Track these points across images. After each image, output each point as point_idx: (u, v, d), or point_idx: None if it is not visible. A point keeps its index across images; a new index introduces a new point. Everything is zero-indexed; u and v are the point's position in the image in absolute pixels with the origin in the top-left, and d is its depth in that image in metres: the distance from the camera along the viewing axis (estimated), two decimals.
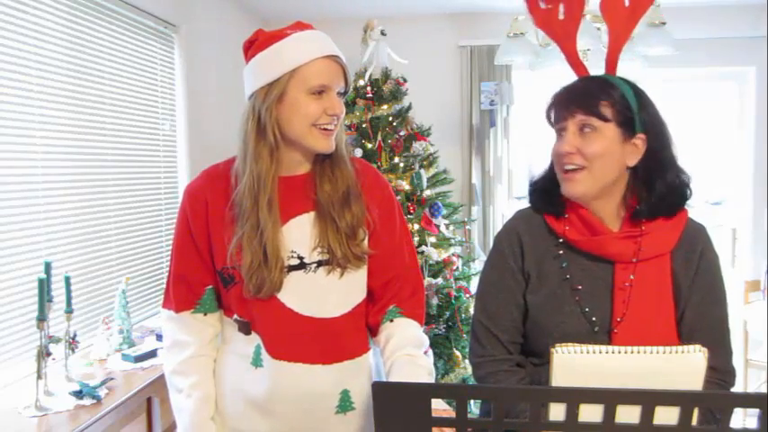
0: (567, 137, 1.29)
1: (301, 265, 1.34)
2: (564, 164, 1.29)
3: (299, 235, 1.35)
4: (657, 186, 1.29)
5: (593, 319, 1.30)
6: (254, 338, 1.37)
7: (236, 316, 1.39)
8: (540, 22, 1.46)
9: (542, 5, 1.45)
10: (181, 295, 1.40)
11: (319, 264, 1.35)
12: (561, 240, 1.35)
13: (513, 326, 1.38)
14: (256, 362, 1.36)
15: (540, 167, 1.43)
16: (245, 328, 1.37)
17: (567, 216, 1.35)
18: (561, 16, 1.42)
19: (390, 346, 1.36)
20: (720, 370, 1.28)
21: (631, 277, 1.29)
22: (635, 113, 1.28)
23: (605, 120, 1.26)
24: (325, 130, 1.31)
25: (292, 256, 1.34)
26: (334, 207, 1.35)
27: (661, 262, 1.30)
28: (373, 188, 1.42)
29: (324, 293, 1.35)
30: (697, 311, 1.30)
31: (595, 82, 1.33)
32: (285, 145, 1.34)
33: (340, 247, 1.34)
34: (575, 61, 1.41)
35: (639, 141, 1.29)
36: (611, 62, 1.38)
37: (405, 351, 1.34)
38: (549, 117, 1.35)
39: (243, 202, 1.32)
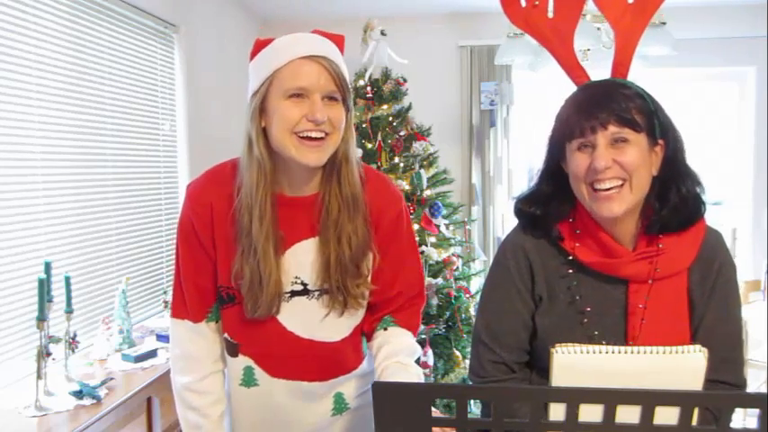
0: (600, 151, 1.14)
1: (305, 291, 1.31)
2: (598, 181, 1.16)
3: (304, 261, 1.29)
4: (671, 197, 1.20)
5: (603, 342, 1.20)
6: (242, 361, 1.35)
7: (225, 335, 1.36)
8: (522, 21, 1.32)
9: (523, 2, 1.30)
10: (196, 304, 1.34)
11: (322, 292, 1.31)
12: (570, 258, 1.25)
13: (519, 347, 1.30)
14: (248, 382, 1.35)
15: (520, 191, 1.33)
16: (233, 350, 1.35)
17: (577, 232, 1.25)
18: (550, 14, 1.29)
19: (382, 353, 1.31)
20: (732, 383, 1.23)
21: (647, 298, 1.20)
22: (656, 118, 1.18)
23: (638, 130, 1.15)
24: (308, 138, 1.19)
25: (296, 282, 1.30)
26: (342, 236, 1.27)
27: (678, 280, 1.21)
28: (384, 209, 1.34)
29: (326, 320, 1.32)
30: (711, 330, 1.22)
31: (622, 87, 1.18)
32: (279, 160, 1.25)
33: (341, 282, 1.28)
34: (572, 67, 1.30)
35: (659, 148, 1.20)
36: (622, 64, 1.26)
37: (396, 359, 1.30)
38: (574, 131, 1.18)
39: (242, 219, 1.26)
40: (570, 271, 1.25)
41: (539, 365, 1.30)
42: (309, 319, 1.32)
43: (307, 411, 1.37)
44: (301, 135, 1.19)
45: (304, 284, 1.30)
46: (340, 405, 1.38)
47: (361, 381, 1.42)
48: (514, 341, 1.29)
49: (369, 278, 1.32)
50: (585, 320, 1.23)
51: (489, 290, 1.34)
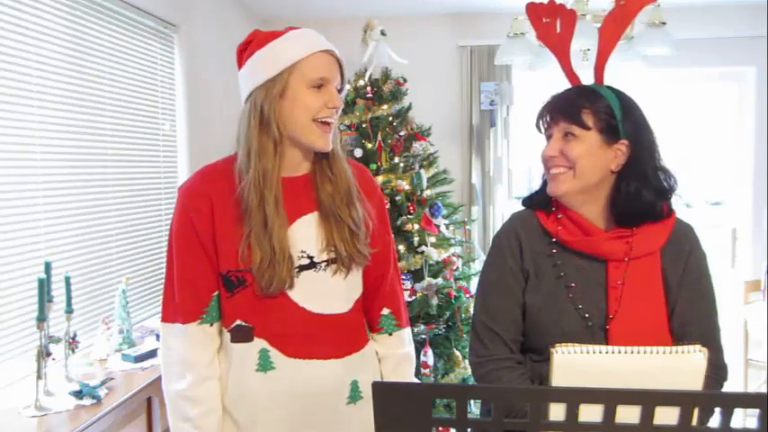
0: (551, 143, 1.39)
1: (312, 265, 1.37)
2: (550, 167, 1.39)
3: (307, 235, 1.37)
4: (635, 191, 1.35)
5: (587, 315, 1.35)
6: (257, 344, 1.35)
7: (238, 322, 1.36)
8: (542, 35, 1.53)
9: (544, 20, 1.50)
10: (188, 304, 1.36)
11: (328, 262, 1.38)
12: (555, 240, 1.40)
13: (515, 324, 1.41)
14: (265, 366, 1.35)
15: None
16: (247, 335, 1.35)
17: (559, 217, 1.41)
18: (558, 29, 1.48)
19: (387, 368, 1.52)
20: (713, 364, 1.28)
21: (624, 275, 1.34)
22: (618, 121, 1.35)
23: (586, 128, 1.35)
24: (324, 123, 1.34)
25: (302, 256, 1.36)
26: (339, 207, 1.38)
27: (652, 260, 1.36)
28: (369, 188, 1.48)
29: (333, 291, 1.39)
30: (687, 307, 1.35)
31: (580, 92, 1.40)
32: (287, 142, 1.37)
33: (345, 246, 1.37)
34: (569, 72, 1.48)
35: (623, 147, 1.36)
36: (599, 69, 1.45)
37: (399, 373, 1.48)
38: (538, 125, 1.44)
39: (249, 198, 1.32)
40: (555, 251, 1.40)
41: (530, 348, 1.41)
42: (319, 292, 1.37)
43: (324, 397, 1.38)
44: (321, 120, 1.34)
45: (310, 257, 1.37)
46: (355, 393, 1.42)
47: (370, 369, 1.48)
48: (510, 318, 1.41)
49: (368, 241, 1.42)
50: (571, 295, 1.36)
51: (485, 271, 1.49)
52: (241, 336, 1.36)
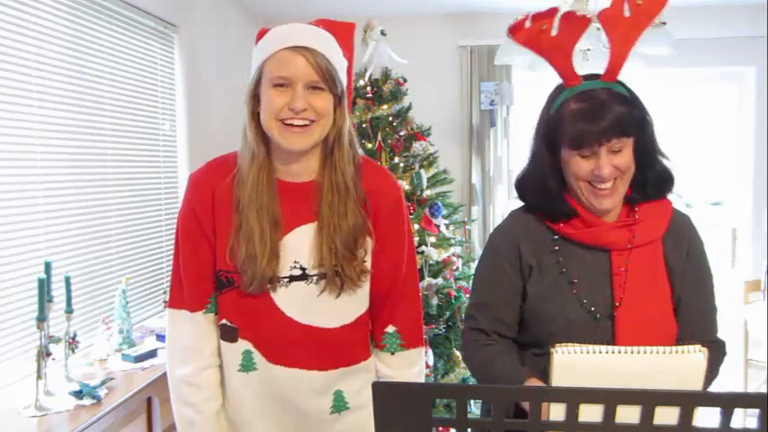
0: (603, 161, 1.28)
1: (303, 276, 1.33)
2: (598, 183, 1.30)
3: (302, 246, 1.33)
4: (648, 174, 1.36)
5: (592, 308, 1.34)
6: (241, 345, 1.35)
7: (224, 321, 1.36)
8: (525, 39, 1.41)
9: (528, 24, 1.40)
10: (193, 294, 1.36)
11: (320, 276, 1.33)
12: (557, 237, 1.39)
13: (500, 318, 1.40)
14: (247, 367, 1.35)
15: (520, 174, 1.45)
16: (232, 335, 1.35)
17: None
18: (554, 32, 1.38)
19: None
20: (712, 341, 1.37)
21: (627, 262, 1.34)
22: (639, 120, 1.33)
23: (630, 137, 1.30)
24: (290, 125, 1.26)
25: (295, 267, 1.33)
26: (335, 221, 1.31)
27: (654, 248, 1.37)
28: (382, 195, 1.37)
29: (325, 305, 1.34)
30: (692, 292, 1.37)
31: (613, 99, 1.29)
32: (273, 145, 1.32)
33: (338, 264, 1.31)
34: (568, 74, 1.37)
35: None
36: (613, 72, 1.36)
37: None
38: (564, 136, 1.30)
39: (236, 195, 1.33)
40: (557, 248, 1.38)
41: (533, 341, 1.38)
42: (308, 304, 1.33)
43: (305, 405, 1.37)
44: (285, 122, 1.26)
45: (303, 269, 1.33)
46: (339, 404, 1.38)
47: (361, 380, 1.42)
48: (496, 312, 1.40)
49: (367, 262, 1.35)
50: (575, 291, 1.35)
51: (477, 269, 1.47)
52: (227, 335, 1.37)
